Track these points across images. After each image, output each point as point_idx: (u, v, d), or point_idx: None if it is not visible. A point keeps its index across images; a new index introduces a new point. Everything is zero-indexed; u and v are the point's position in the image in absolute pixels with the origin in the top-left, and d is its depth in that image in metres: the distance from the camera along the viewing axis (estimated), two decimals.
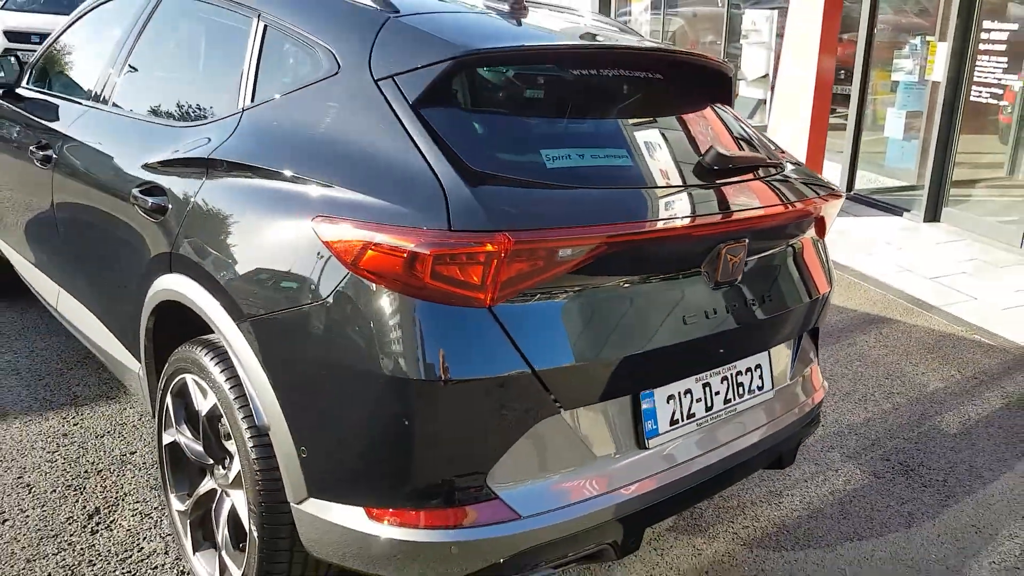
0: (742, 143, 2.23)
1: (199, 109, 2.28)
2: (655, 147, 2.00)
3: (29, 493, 2.55)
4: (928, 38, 6.84)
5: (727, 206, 1.90)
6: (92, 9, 3.15)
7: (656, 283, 1.83)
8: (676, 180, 1.92)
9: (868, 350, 4.15)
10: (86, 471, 2.69)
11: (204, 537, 2.15)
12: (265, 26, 2.15)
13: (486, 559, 1.66)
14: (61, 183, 2.72)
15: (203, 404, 1.99)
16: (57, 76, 3.23)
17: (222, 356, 1.91)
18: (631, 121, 2.03)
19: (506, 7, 2.20)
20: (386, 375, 1.57)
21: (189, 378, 2.03)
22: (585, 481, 1.74)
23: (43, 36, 11.43)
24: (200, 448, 2.07)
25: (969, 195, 6.79)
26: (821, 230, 2.31)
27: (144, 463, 2.76)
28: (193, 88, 2.46)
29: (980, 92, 6.24)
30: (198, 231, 1.97)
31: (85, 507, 2.50)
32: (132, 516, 2.47)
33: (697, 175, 1.94)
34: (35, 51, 11.23)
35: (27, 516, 2.44)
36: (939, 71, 6.46)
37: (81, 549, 2.31)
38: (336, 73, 1.90)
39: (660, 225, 1.76)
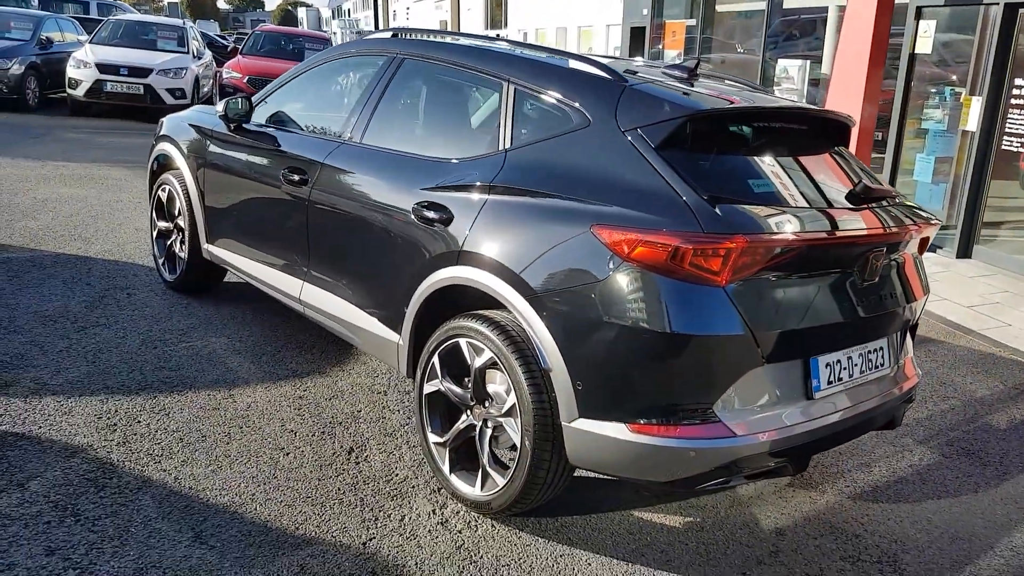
0: (871, 177, 2.94)
1: (465, 148, 2.97)
2: (815, 177, 2.73)
3: (295, 436, 3.23)
4: (958, 90, 7.41)
5: (873, 223, 2.60)
6: (319, 65, 3.85)
7: (825, 277, 2.53)
8: (838, 202, 2.62)
9: (919, 363, 4.78)
10: (329, 423, 3.37)
11: (457, 460, 2.82)
12: (515, 89, 2.88)
13: (707, 465, 2.34)
14: (319, 200, 3.39)
15: (477, 360, 2.67)
16: (293, 115, 3.87)
17: (495, 324, 2.60)
18: (798, 158, 2.74)
19: (683, 73, 2.95)
20: (649, 329, 2.27)
21: (463, 341, 2.71)
22: (774, 416, 2.43)
23: (130, 68, 12.31)
24: (463, 392, 2.76)
25: (998, 235, 7.33)
26: (922, 248, 3.02)
27: (371, 418, 3.44)
28: (455, 133, 3.18)
29: (1011, 142, 6.84)
30: (486, 234, 2.65)
31: (342, 446, 3.19)
32: (380, 453, 3.16)
33: (850, 200, 2.64)
34: (122, 82, 11.94)
35: (302, 451, 3.12)
36: (973, 122, 7.05)
37: (352, 474, 2.99)
38: (588, 126, 2.62)
39: (833, 234, 2.46)
